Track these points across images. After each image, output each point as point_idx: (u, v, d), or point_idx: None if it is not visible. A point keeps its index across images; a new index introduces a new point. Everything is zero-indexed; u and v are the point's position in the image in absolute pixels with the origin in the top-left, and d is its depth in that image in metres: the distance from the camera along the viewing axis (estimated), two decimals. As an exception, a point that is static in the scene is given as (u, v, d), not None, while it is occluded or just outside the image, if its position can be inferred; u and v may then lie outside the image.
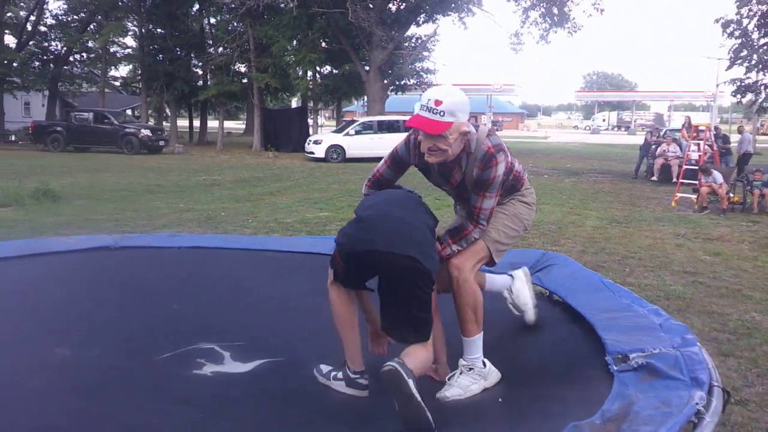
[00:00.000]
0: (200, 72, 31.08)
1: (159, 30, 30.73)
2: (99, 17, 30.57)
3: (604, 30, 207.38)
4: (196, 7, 31.14)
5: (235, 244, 5.05)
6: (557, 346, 2.69)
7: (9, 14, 31.75)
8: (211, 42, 30.86)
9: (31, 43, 31.50)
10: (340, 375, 2.59)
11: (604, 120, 67.98)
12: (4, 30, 29.91)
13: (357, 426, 2.38)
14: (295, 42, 25.27)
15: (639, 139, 24.65)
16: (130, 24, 31.13)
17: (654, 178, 15.63)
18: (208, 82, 30.00)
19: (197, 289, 3.88)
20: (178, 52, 30.27)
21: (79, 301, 3.64)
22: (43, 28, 32.10)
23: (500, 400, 2.45)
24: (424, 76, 28.04)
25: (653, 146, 16.73)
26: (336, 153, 21.12)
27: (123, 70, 37.58)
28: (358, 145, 21.01)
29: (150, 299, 3.65)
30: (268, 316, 3.47)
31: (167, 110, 32.78)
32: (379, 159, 2.87)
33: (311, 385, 2.61)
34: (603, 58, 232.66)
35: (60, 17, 32.39)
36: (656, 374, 2.20)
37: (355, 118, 27.21)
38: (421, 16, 26.39)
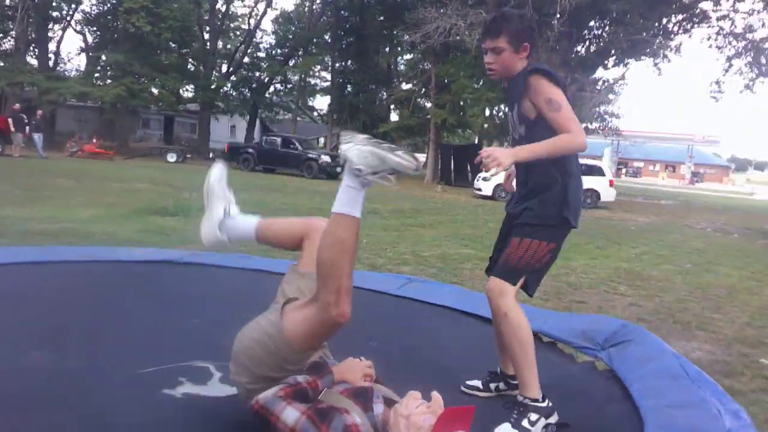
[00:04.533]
0: (384, 105, 32.55)
1: (351, 65, 32.74)
2: (300, 52, 33.33)
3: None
4: (387, 48, 32.82)
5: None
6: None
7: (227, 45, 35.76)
8: (396, 79, 32.19)
9: (240, 71, 35.08)
10: None
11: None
12: (216, 60, 33.57)
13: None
14: (473, 80, 25.30)
15: None
16: (327, 59, 33.61)
17: None
18: (391, 116, 31.21)
19: (232, 308, 3.39)
20: (369, 87, 31.96)
21: (101, 309, 3.70)
22: (248, 59, 35.60)
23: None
24: (609, 119, 26.66)
25: None
26: (504, 191, 20.68)
27: (322, 102, 40.57)
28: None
29: (176, 313, 3.62)
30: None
31: (352, 140, 34.65)
32: None
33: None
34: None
35: (267, 50, 35.84)
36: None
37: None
38: (610, 59, 25.17)
